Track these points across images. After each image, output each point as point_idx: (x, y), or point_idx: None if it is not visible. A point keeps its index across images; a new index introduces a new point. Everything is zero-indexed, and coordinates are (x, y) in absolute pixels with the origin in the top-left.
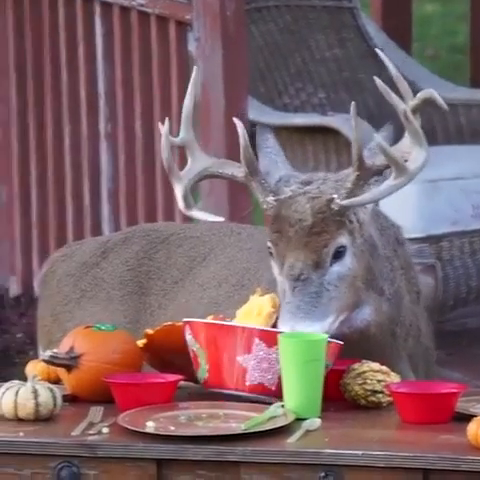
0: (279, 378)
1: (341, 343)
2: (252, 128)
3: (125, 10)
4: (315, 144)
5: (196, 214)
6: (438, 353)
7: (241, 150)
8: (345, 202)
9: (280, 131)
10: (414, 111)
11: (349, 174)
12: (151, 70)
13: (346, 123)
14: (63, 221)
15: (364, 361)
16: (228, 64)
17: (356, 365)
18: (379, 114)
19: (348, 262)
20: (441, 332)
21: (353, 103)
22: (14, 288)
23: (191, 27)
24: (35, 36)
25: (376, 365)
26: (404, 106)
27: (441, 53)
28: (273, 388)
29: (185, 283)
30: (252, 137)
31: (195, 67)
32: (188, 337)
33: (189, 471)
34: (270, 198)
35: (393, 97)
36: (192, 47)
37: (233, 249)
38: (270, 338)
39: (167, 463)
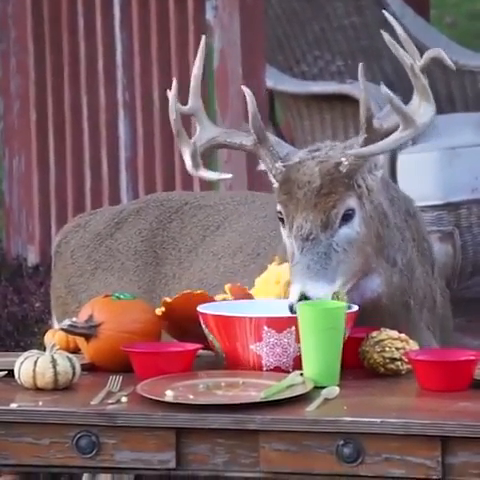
0: (294, 359)
1: (357, 309)
2: (270, 95)
3: None
4: (333, 112)
5: (203, 174)
6: (457, 321)
7: (250, 118)
8: (353, 151)
9: (298, 99)
10: (422, 70)
11: (358, 138)
12: (169, 39)
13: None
14: (81, 190)
15: (383, 329)
16: (246, 32)
17: (375, 333)
18: (397, 81)
19: (356, 225)
20: (460, 299)
21: (360, 64)
22: (32, 257)
23: None
24: (52, 6)
25: (395, 333)
26: (411, 61)
27: (460, 20)
28: (290, 370)
29: (199, 252)
30: (271, 105)
31: (203, 36)
32: (203, 326)
33: (208, 440)
34: (279, 164)
35: (400, 53)
36: (210, 16)
37: (248, 217)
38: (278, 324)
39: (186, 432)
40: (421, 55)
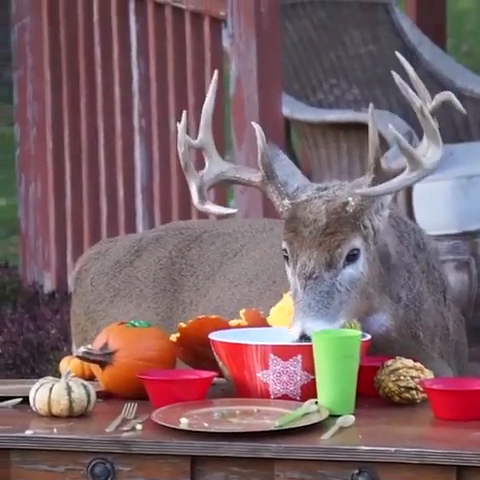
0: (302, 388)
1: (370, 338)
2: (287, 124)
3: (159, 6)
4: (349, 140)
5: (210, 208)
6: (473, 350)
7: (259, 154)
8: (359, 191)
9: (314, 127)
10: (432, 113)
11: (365, 178)
12: (185, 66)
13: (380, 119)
14: (97, 217)
15: (398, 358)
16: (262, 60)
17: (390, 362)
18: (414, 111)
19: (360, 266)
20: (476, 328)
21: (371, 105)
22: (48, 284)
23: (225, 23)
24: (69, 34)
25: (410, 362)
26: (420, 103)
27: (476, 49)
28: (298, 398)
29: (216, 279)
30: (288, 133)
31: (216, 71)
32: (214, 353)
33: (223, 468)
34: (286, 201)
35: (410, 93)
36: (226, 43)
37: (265, 245)
38: (284, 352)
39: (201, 460)
40: (438, 84)
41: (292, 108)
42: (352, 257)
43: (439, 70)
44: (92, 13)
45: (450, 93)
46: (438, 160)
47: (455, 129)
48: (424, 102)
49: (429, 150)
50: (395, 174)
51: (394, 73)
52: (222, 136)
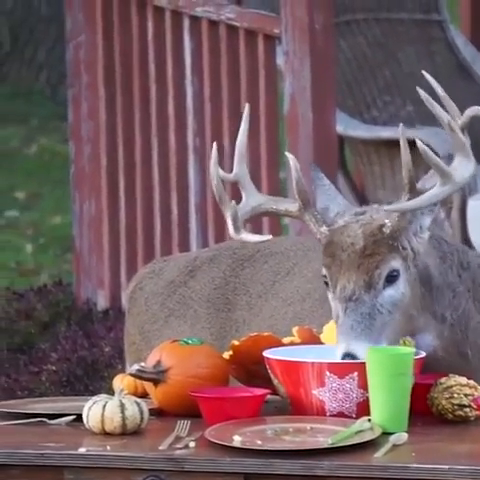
0: (358, 405)
1: (424, 356)
2: (341, 141)
3: (214, 24)
4: None
5: (245, 237)
6: None
7: (294, 183)
8: (391, 207)
9: (368, 144)
10: (462, 127)
11: (401, 199)
12: (239, 84)
13: (435, 136)
14: (151, 235)
15: (451, 375)
16: (316, 77)
17: (443, 379)
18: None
19: (401, 287)
20: None
21: (401, 125)
22: (102, 302)
23: (279, 41)
24: (124, 51)
25: (463, 379)
26: (449, 118)
27: None
28: (353, 415)
29: (269, 297)
30: (342, 150)
31: (247, 104)
32: (268, 371)
33: None
34: (324, 228)
35: (437, 109)
36: (280, 61)
37: (317, 263)
38: (340, 369)
39: (254, 477)
40: None
41: (346, 125)
42: (392, 278)
43: None
44: (147, 31)
45: (478, 108)
46: (470, 174)
47: None
48: (453, 118)
49: (460, 164)
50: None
51: (419, 89)
52: (277, 153)
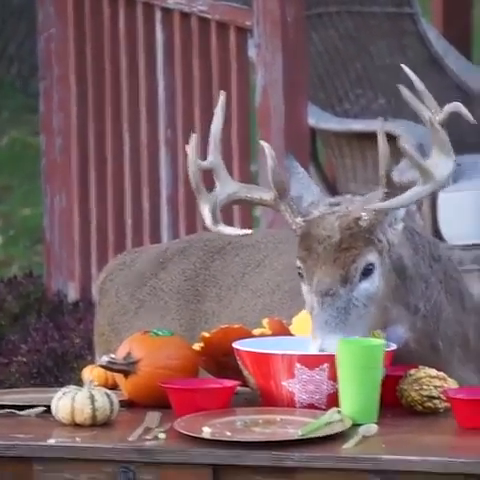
0: (328, 397)
1: (395, 348)
2: (312, 133)
3: (185, 16)
4: (375, 150)
5: (222, 229)
6: None
7: (269, 172)
8: (372, 206)
9: (340, 137)
10: (442, 124)
11: (377, 193)
12: (211, 76)
13: (406, 129)
14: (122, 227)
15: (421, 367)
16: (288, 70)
17: (413, 371)
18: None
19: (376, 280)
20: None
21: (380, 118)
22: (72, 294)
23: (251, 33)
24: (95, 43)
25: (433, 371)
26: (430, 114)
27: None
28: (323, 407)
29: (239, 289)
30: (313, 143)
31: (222, 92)
32: (239, 362)
33: (245, 477)
34: (299, 219)
35: (418, 105)
36: (252, 53)
37: (288, 255)
38: (310, 361)
39: (223, 469)
40: (464, 94)
41: (318, 118)
42: (367, 272)
43: (465, 80)
44: (118, 23)
45: (459, 104)
46: (450, 172)
47: None
48: (434, 113)
49: (440, 162)
50: (407, 187)
51: (401, 86)
52: (248, 146)
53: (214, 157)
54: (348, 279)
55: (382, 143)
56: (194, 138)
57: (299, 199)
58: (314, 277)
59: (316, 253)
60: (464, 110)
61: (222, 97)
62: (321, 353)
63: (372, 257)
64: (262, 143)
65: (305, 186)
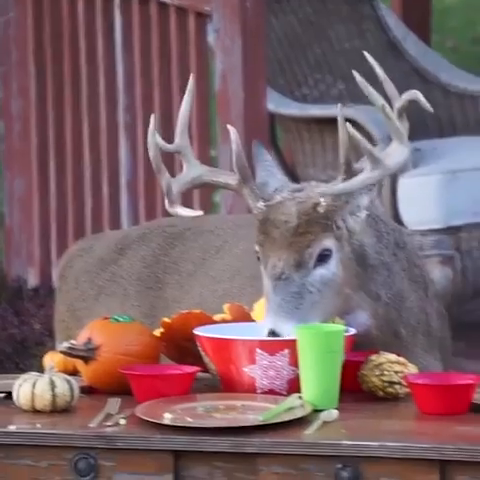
0: (289, 382)
1: (355, 333)
2: (271, 119)
3: (144, 1)
4: (334, 135)
5: (179, 211)
6: (457, 344)
7: (233, 157)
8: (320, 190)
9: (299, 122)
10: (400, 112)
11: (338, 180)
12: (170, 61)
13: (366, 114)
14: (81, 212)
15: (382, 352)
16: (247, 55)
17: (374, 356)
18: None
19: (333, 267)
20: (460, 323)
21: (339, 105)
22: (32, 279)
23: (210, 18)
24: (54, 28)
25: (393, 356)
26: (383, 102)
27: (461, 45)
28: (284, 392)
29: (198, 276)
30: (272, 128)
31: (192, 75)
32: (199, 348)
33: (206, 463)
34: (260, 203)
35: (372, 92)
36: (211, 38)
37: (247, 241)
38: (271, 346)
39: (184, 455)
40: (423, 79)
41: (277, 103)
42: (324, 257)
43: (424, 65)
44: (77, 8)
45: (417, 92)
46: (403, 159)
47: (440, 124)
48: (392, 101)
49: (394, 149)
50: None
51: (355, 72)
52: (207, 131)
53: (181, 139)
54: (302, 264)
55: (342, 131)
56: (153, 120)
57: (264, 186)
58: (269, 261)
59: (273, 238)
60: (422, 98)
61: (192, 80)
62: (275, 338)
63: (329, 243)
64: (229, 127)
65: (271, 173)
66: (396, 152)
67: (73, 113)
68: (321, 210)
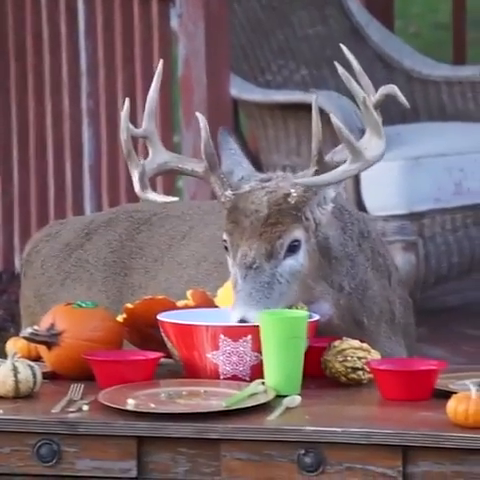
0: (252, 368)
1: (318, 319)
2: (235, 104)
3: None
4: (297, 121)
5: (151, 196)
6: (419, 330)
7: (202, 144)
8: (299, 181)
9: (262, 108)
10: (375, 106)
11: (309, 171)
12: (133, 46)
13: (329, 100)
14: (45, 198)
15: (345, 338)
16: (210, 41)
17: (337, 342)
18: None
19: (301, 257)
20: (422, 309)
21: (314, 96)
22: None
23: (173, 3)
24: (16, 14)
25: (357, 342)
26: (363, 94)
27: (423, 30)
28: (247, 378)
29: (164, 261)
30: (236, 114)
31: (161, 60)
32: (162, 334)
33: (169, 448)
34: (228, 192)
35: (353, 84)
36: (174, 23)
37: (214, 227)
38: (234, 332)
39: (147, 440)
40: (386, 65)
41: (240, 89)
42: (293, 248)
43: (387, 51)
44: None
45: (394, 86)
46: (381, 153)
47: (402, 110)
48: (367, 94)
49: (372, 142)
50: (336, 167)
51: (337, 64)
52: (170, 117)
53: (148, 125)
54: (273, 254)
55: (316, 122)
56: (127, 103)
57: (230, 174)
58: (239, 250)
59: (242, 227)
60: (398, 93)
61: (160, 65)
62: (242, 324)
63: (298, 234)
64: (198, 115)
65: (236, 162)
66: (374, 145)
67: (36, 99)
68: (292, 201)
